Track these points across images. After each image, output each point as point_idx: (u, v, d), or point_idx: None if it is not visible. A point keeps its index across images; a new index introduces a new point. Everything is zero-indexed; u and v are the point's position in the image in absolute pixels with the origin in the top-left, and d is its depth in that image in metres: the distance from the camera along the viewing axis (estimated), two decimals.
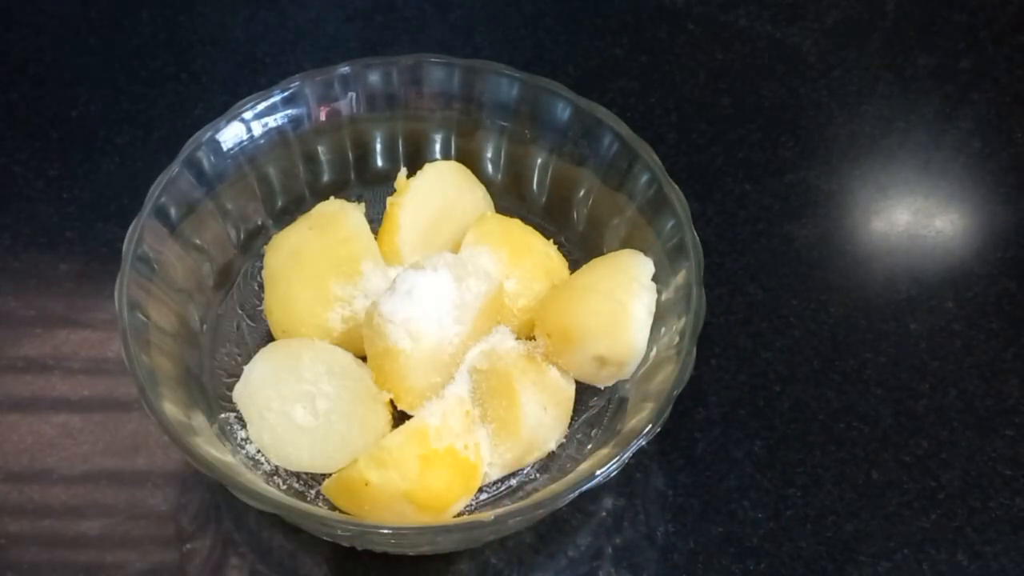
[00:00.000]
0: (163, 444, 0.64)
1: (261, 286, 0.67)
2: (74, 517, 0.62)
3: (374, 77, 0.69)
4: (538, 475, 0.62)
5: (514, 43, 0.86)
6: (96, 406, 0.66)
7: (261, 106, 0.66)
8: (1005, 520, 0.63)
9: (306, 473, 0.60)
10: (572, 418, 0.63)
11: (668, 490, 0.64)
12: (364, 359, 0.62)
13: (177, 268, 0.63)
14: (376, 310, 0.58)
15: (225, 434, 0.61)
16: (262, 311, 0.66)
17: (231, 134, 0.66)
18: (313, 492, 0.60)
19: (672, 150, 0.79)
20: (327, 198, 0.68)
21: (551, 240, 0.68)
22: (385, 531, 0.52)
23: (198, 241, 0.65)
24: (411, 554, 0.60)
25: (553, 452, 0.62)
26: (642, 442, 0.54)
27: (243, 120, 0.66)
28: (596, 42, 0.87)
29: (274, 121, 0.67)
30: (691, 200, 0.62)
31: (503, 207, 0.70)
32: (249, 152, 0.67)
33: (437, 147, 0.72)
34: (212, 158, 0.65)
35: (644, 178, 0.64)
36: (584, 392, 0.64)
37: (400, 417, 0.61)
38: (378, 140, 0.72)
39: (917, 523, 0.63)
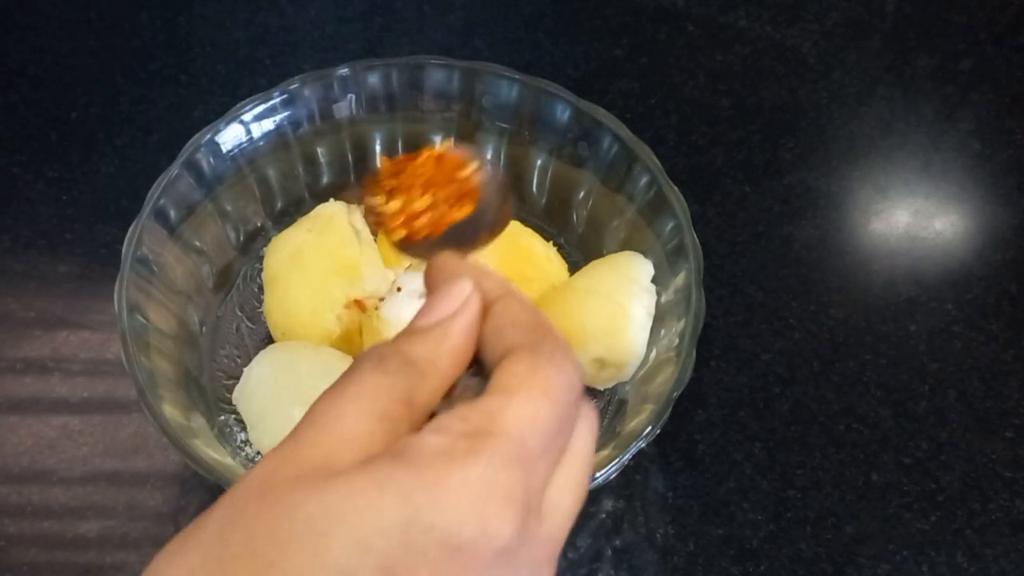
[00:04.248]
0: (162, 446, 0.64)
1: (261, 288, 0.67)
2: (73, 518, 0.62)
3: (374, 79, 0.68)
4: None
5: (514, 45, 0.86)
6: (96, 408, 0.66)
7: (260, 108, 0.66)
8: (1005, 522, 0.63)
9: None
10: None
11: (668, 492, 0.64)
12: None
13: (176, 270, 0.63)
14: (376, 312, 0.58)
15: (224, 436, 0.61)
16: (262, 313, 0.66)
17: (231, 136, 0.65)
18: None
19: (672, 152, 0.79)
20: (327, 200, 0.68)
21: (551, 242, 0.68)
22: None
23: (197, 243, 0.65)
24: None
25: None
26: (642, 444, 0.54)
27: (242, 122, 0.66)
28: (596, 44, 0.87)
29: (273, 123, 0.67)
30: (691, 202, 0.62)
31: None
32: (248, 154, 0.67)
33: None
34: (211, 160, 0.65)
35: (644, 180, 0.64)
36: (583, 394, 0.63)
37: None
38: (378, 142, 0.71)
39: (917, 525, 0.63)
